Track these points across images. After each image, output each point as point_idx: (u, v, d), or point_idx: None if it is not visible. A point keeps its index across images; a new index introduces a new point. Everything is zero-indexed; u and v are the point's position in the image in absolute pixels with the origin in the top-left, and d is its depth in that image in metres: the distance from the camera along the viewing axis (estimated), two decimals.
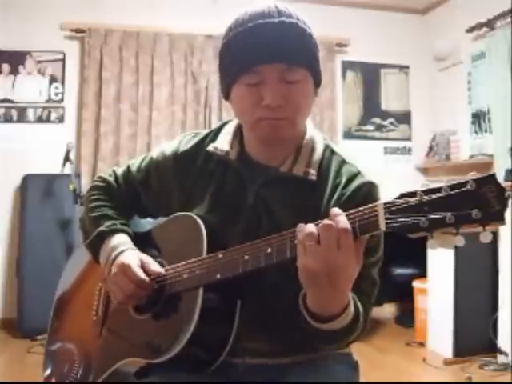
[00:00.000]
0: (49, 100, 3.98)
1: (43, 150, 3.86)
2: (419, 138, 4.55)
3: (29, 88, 3.95)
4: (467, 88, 4.04)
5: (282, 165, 1.07)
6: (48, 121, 3.98)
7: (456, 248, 3.14)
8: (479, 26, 3.75)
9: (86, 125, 3.92)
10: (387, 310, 4.24)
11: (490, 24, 3.68)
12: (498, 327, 3.10)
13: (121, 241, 1.11)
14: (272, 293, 1.02)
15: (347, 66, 4.48)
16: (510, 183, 2.97)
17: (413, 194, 0.77)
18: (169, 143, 1.20)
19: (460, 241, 0.76)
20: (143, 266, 1.05)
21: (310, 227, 0.82)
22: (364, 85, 4.52)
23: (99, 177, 1.26)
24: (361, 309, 0.95)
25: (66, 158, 3.42)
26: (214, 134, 1.16)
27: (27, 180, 3.78)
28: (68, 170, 3.43)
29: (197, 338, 0.95)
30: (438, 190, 0.76)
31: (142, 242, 1.14)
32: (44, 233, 3.66)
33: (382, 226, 0.79)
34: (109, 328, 1.16)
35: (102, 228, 1.14)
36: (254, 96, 0.98)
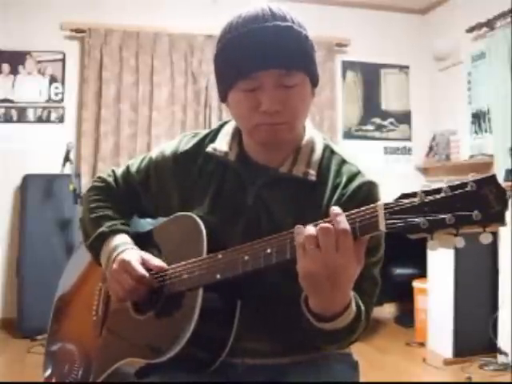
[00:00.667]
0: (49, 100, 3.98)
1: (43, 150, 3.86)
2: (419, 138, 4.55)
3: (29, 88, 3.95)
4: (467, 88, 4.04)
5: (282, 165, 1.07)
6: (48, 121, 3.98)
7: (456, 248, 3.13)
8: (479, 26, 3.75)
9: (85, 125, 3.92)
10: (387, 310, 4.24)
11: (490, 24, 3.68)
12: (498, 327, 3.10)
13: (122, 241, 1.11)
14: (272, 293, 1.02)
15: (347, 66, 4.48)
16: (509, 183, 2.97)
17: (413, 195, 0.77)
18: (168, 143, 1.20)
19: (460, 242, 0.76)
20: (144, 263, 1.05)
21: (309, 230, 0.82)
22: (364, 85, 4.52)
23: (98, 177, 1.26)
24: (362, 308, 0.95)
25: (66, 158, 3.42)
26: (214, 135, 1.15)
27: (27, 180, 3.77)
28: (68, 169, 3.43)
29: (197, 338, 0.95)
30: (439, 190, 0.75)
31: (142, 242, 1.14)
32: (44, 233, 3.66)
33: (382, 227, 0.78)
34: (109, 328, 1.16)
35: (102, 229, 1.13)
36: (252, 102, 0.98)
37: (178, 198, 1.13)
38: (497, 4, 3.57)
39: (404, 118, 4.60)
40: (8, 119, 3.92)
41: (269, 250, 0.90)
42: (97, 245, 1.14)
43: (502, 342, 3.05)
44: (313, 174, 1.06)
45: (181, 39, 4.09)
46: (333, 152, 1.11)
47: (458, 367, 3.01)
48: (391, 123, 4.57)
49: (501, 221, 0.72)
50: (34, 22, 3.89)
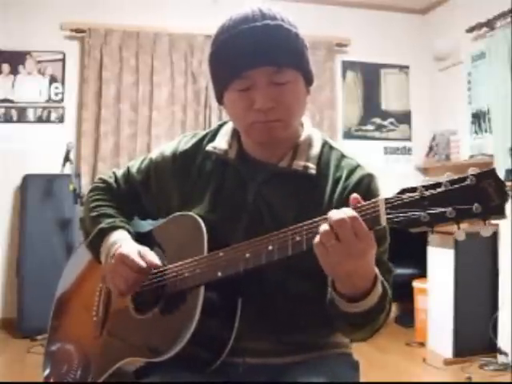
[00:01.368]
0: (49, 100, 3.98)
1: (43, 150, 3.86)
2: (419, 138, 4.55)
3: (29, 88, 3.95)
4: (467, 88, 4.04)
5: (281, 161, 1.08)
6: (48, 121, 3.98)
7: (456, 248, 3.14)
8: (479, 26, 3.75)
9: (85, 125, 3.92)
10: None
11: (490, 24, 3.68)
12: (498, 327, 3.10)
13: (121, 236, 1.12)
14: (273, 291, 1.02)
15: (347, 65, 4.48)
16: (510, 183, 2.97)
17: (413, 190, 0.79)
18: (168, 144, 1.21)
19: (461, 235, 0.76)
20: (141, 255, 1.05)
21: (324, 226, 0.83)
22: (364, 85, 4.52)
23: (99, 178, 1.27)
24: (385, 284, 0.97)
25: (66, 158, 3.42)
26: (213, 135, 1.17)
27: (27, 180, 3.77)
28: (68, 170, 3.43)
29: (198, 337, 0.95)
30: (439, 185, 0.77)
31: (143, 241, 1.13)
32: (44, 233, 3.66)
33: (383, 221, 0.80)
34: (109, 328, 1.16)
35: (101, 225, 1.14)
36: (246, 101, 1.00)
37: (179, 198, 1.14)
38: (497, 4, 3.57)
39: (404, 117, 4.60)
40: (8, 119, 3.92)
41: (270, 247, 0.91)
42: (96, 242, 1.14)
43: (502, 342, 3.05)
44: (312, 167, 1.07)
45: (181, 39, 4.09)
46: (331, 147, 1.13)
47: (458, 367, 3.01)
48: (391, 123, 4.57)
49: (501, 213, 0.73)
50: (33, 22, 3.89)
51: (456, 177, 0.75)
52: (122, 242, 1.09)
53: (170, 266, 1.05)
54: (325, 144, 1.13)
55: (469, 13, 3.90)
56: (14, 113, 3.93)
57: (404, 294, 3.76)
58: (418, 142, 4.56)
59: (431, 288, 3.41)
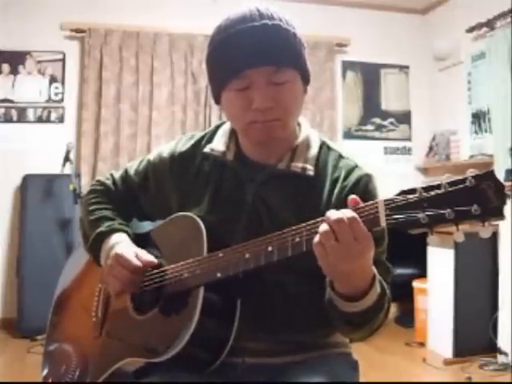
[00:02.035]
0: (49, 100, 3.98)
1: (43, 150, 3.86)
2: (419, 138, 4.55)
3: (29, 88, 3.95)
4: (467, 88, 4.04)
5: (280, 162, 1.08)
6: (48, 121, 3.98)
7: (456, 248, 3.14)
8: (479, 26, 3.75)
9: (85, 125, 3.92)
10: None
11: (490, 24, 3.67)
12: (498, 327, 3.10)
13: (119, 239, 1.12)
14: (272, 292, 1.02)
15: (347, 66, 4.48)
16: (510, 183, 2.97)
17: (412, 191, 0.79)
18: (166, 146, 1.21)
19: (460, 237, 0.77)
20: (138, 256, 1.06)
21: (323, 227, 0.83)
22: (364, 85, 4.52)
23: (97, 180, 1.27)
24: (383, 283, 0.97)
25: (66, 158, 3.42)
26: (210, 136, 1.17)
27: (27, 180, 3.77)
28: (68, 170, 3.43)
29: (197, 337, 0.95)
30: (438, 186, 0.77)
31: (142, 243, 1.14)
32: (44, 233, 3.66)
33: (383, 223, 0.80)
34: (108, 328, 1.16)
35: (100, 229, 1.14)
36: (244, 100, 0.99)
37: (177, 199, 1.14)
38: (497, 4, 3.57)
39: (404, 117, 4.60)
40: (8, 119, 3.92)
41: (270, 248, 0.91)
42: (96, 245, 1.14)
43: (502, 342, 3.05)
44: (311, 169, 1.07)
45: (181, 39, 4.09)
46: (329, 148, 1.13)
47: (458, 367, 3.01)
48: (391, 123, 4.57)
49: (500, 215, 0.73)
50: (34, 22, 3.89)
51: (455, 178, 0.76)
52: (120, 244, 1.10)
53: (170, 266, 1.05)
54: (323, 145, 1.13)
55: (469, 13, 3.90)
56: (14, 113, 3.93)
57: (404, 294, 3.76)
58: (418, 141, 4.56)
59: (431, 288, 3.41)
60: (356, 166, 1.09)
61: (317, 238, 0.84)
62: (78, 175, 3.71)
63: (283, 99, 1.00)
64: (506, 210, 0.74)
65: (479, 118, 3.93)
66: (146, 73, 4.01)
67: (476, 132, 3.97)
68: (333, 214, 0.83)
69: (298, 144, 1.10)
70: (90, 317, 1.20)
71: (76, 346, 1.22)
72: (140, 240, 1.15)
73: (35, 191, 3.74)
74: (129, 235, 1.15)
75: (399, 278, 3.87)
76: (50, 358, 1.28)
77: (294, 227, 0.89)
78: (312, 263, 0.86)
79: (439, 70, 4.42)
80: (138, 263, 1.04)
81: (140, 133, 3.98)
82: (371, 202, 0.83)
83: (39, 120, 3.96)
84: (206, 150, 1.13)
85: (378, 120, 4.54)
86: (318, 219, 0.87)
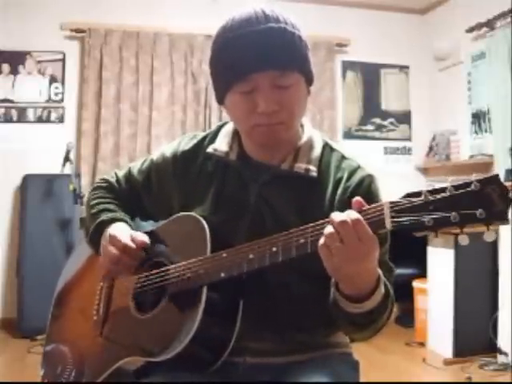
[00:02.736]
0: (49, 100, 3.98)
1: (43, 150, 3.85)
2: (419, 138, 4.55)
3: (29, 88, 3.94)
4: (467, 88, 4.04)
5: (283, 163, 1.08)
6: (48, 121, 3.98)
7: (456, 248, 3.14)
8: (479, 26, 3.75)
9: (85, 125, 3.92)
10: None
11: (490, 24, 3.67)
12: (498, 327, 3.10)
13: (120, 227, 1.12)
14: (275, 292, 1.02)
15: (347, 65, 4.48)
16: (510, 183, 2.97)
17: (418, 194, 0.79)
18: (168, 145, 1.21)
19: (464, 240, 0.78)
20: (132, 238, 1.06)
21: (328, 229, 0.83)
22: (364, 85, 4.52)
23: (102, 178, 1.28)
24: (388, 284, 0.97)
25: (66, 158, 3.42)
26: (213, 136, 1.17)
27: (27, 180, 3.77)
28: (68, 170, 3.43)
29: (199, 337, 0.95)
30: (443, 189, 0.77)
31: None
32: (44, 233, 3.66)
33: (388, 225, 0.81)
34: (110, 327, 1.16)
35: (101, 218, 1.15)
36: (249, 103, 0.99)
37: (179, 199, 1.14)
38: (497, 4, 3.57)
39: (404, 117, 4.60)
40: (8, 119, 3.92)
41: (274, 249, 0.91)
42: (97, 235, 1.14)
43: (502, 342, 3.05)
44: (314, 170, 1.07)
45: (181, 39, 4.08)
46: (332, 149, 1.13)
47: (458, 367, 3.02)
48: (391, 123, 4.57)
49: (504, 219, 0.74)
50: (33, 21, 3.89)
51: (460, 182, 0.76)
52: (116, 227, 1.10)
53: (173, 265, 1.05)
54: (325, 146, 1.13)
55: (469, 13, 3.90)
56: (14, 113, 3.93)
57: (404, 294, 3.75)
58: (418, 142, 4.56)
59: (431, 288, 3.41)
60: (359, 167, 1.09)
61: (322, 240, 0.84)
62: (78, 175, 3.71)
63: (288, 103, 1.00)
64: (510, 213, 0.74)
65: (479, 118, 3.93)
66: (146, 73, 4.01)
67: (476, 132, 3.97)
68: (337, 216, 0.83)
69: (301, 145, 1.10)
70: (91, 315, 1.20)
71: (74, 345, 1.22)
72: None
73: (35, 191, 3.74)
74: (130, 225, 1.15)
75: (399, 277, 3.86)
76: (51, 357, 1.28)
77: (298, 228, 0.90)
78: (316, 264, 0.86)
79: (439, 70, 4.42)
80: (129, 243, 1.04)
81: (140, 133, 3.98)
82: (377, 204, 0.83)
83: (39, 120, 3.96)
84: (209, 150, 1.13)
85: (377, 120, 4.54)
86: (323, 220, 0.87)
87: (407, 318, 3.84)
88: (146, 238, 1.07)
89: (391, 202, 0.81)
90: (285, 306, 1.03)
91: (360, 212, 0.84)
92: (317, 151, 1.10)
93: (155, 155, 1.21)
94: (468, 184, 0.75)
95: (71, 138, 3.88)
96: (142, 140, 3.98)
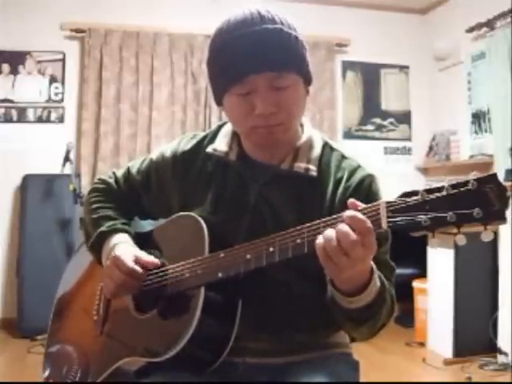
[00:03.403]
0: (49, 100, 3.98)
1: (43, 150, 3.85)
2: (419, 138, 4.55)
3: (29, 88, 3.94)
4: (467, 88, 4.04)
5: (283, 163, 1.08)
6: (48, 121, 3.98)
7: (456, 248, 3.14)
8: (479, 26, 3.75)
9: (85, 125, 3.92)
10: None
11: (490, 24, 3.67)
12: (498, 327, 3.10)
13: (121, 240, 1.12)
14: (273, 292, 1.02)
15: (347, 65, 4.48)
16: (510, 183, 2.97)
17: (415, 193, 0.79)
18: (168, 145, 1.21)
19: (461, 240, 0.77)
20: (137, 259, 1.05)
21: (329, 236, 0.82)
22: (364, 85, 4.52)
23: (99, 179, 1.27)
24: (383, 279, 0.97)
25: (66, 158, 3.42)
26: (212, 136, 1.17)
27: (27, 180, 3.77)
28: (68, 170, 3.43)
29: (198, 337, 0.95)
30: (440, 189, 0.77)
31: (144, 242, 1.14)
32: (44, 233, 3.66)
33: (384, 225, 0.80)
34: (110, 328, 1.16)
35: (102, 229, 1.14)
36: (246, 105, 0.99)
37: (179, 199, 1.14)
38: (497, 4, 3.57)
39: (404, 117, 4.60)
40: (8, 119, 3.92)
41: (271, 249, 0.91)
42: (98, 245, 1.14)
43: (502, 342, 3.05)
44: (313, 169, 1.07)
45: (181, 39, 4.08)
46: (332, 149, 1.13)
47: (458, 367, 3.02)
48: (391, 123, 4.57)
49: (502, 218, 0.73)
50: (33, 21, 3.89)
51: (457, 181, 0.75)
52: (120, 246, 1.10)
53: (171, 266, 1.05)
54: (325, 145, 1.13)
55: (469, 13, 3.90)
56: (14, 113, 3.93)
57: (404, 294, 3.74)
58: (418, 142, 4.56)
59: (431, 288, 3.41)
60: (359, 167, 1.09)
61: (321, 244, 0.83)
62: (78, 175, 3.71)
63: (285, 104, 0.99)
64: (508, 213, 0.74)
65: (479, 118, 3.93)
66: (146, 73, 4.01)
67: (476, 132, 3.97)
68: (341, 227, 0.82)
69: (300, 145, 1.10)
70: (92, 316, 1.20)
71: (77, 345, 1.22)
72: (141, 239, 1.15)
73: (35, 191, 3.74)
74: (131, 235, 1.15)
75: (399, 277, 3.85)
76: (52, 359, 1.28)
77: (295, 228, 0.89)
78: (314, 264, 0.86)
79: (439, 70, 4.41)
80: (134, 266, 1.03)
81: (140, 133, 3.98)
82: (373, 204, 0.83)
83: (39, 120, 3.96)
84: (209, 150, 1.13)
85: (378, 120, 4.54)
86: (319, 220, 0.87)
87: (407, 318, 3.84)
88: (151, 259, 1.06)
89: (387, 202, 0.81)
90: (284, 306, 1.03)
91: (356, 211, 0.83)
92: (317, 151, 1.10)
93: (154, 155, 1.21)
94: (465, 183, 0.75)
95: (71, 138, 3.88)
96: (142, 140, 3.98)
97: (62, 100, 4.00)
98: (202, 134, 1.19)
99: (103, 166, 3.86)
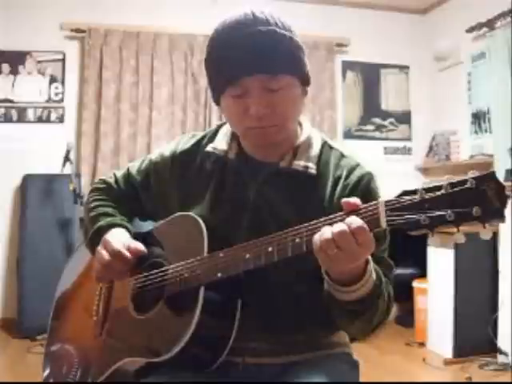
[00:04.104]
0: (49, 100, 3.98)
1: (43, 150, 3.85)
2: (419, 138, 4.55)
3: (29, 88, 3.94)
4: (467, 88, 4.04)
5: (281, 161, 1.09)
6: (48, 121, 3.98)
7: (456, 248, 3.14)
8: (479, 26, 3.75)
9: (85, 125, 3.92)
10: None
11: (490, 24, 3.67)
12: (498, 327, 3.10)
13: (117, 234, 1.12)
14: (273, 291, 1.02)
15: (347, 66, 4.48)
16: (510, 183, 2.97)
17: (414, 192, 0.79)
18: (167, 145, 1.22)
19: (460, 238, 0.77)
20: (125, 245, 1.06)
21: (326, 234, 0.83)
22: (364, 85, 4.52)
23: (100, 179, 1.29)
24: (380, 273, 0.97)
25: (66, 158, 3.43)
26: (212, 135, 1.17)
27: (27, 180, 3.78)
28: (68, 170, 3.43)
29: (197, 337, 0.95)
30: (439, 187, 0.77)
31: (143, 242, 1.14)
32: (44, 233, 3.66)
33: (383, 224, 0.80)
34: (109, 328, 1.16)
35: (100, 223, 1.15)
36: (241, 107, 1.00)
37: (178, 198, 1.14)
38: (497, 4, 3.57)
39: (404, 118, 4.60)
40: (8, 119, 3.92)
41: (270, 249, 0.91)
42: (95, 239, 1.14)
43: (502, 342, 3.05)
44: (312, 167, 1.08)
45: (181, 39, 4.08)
46: (331, 147, 1.13)
47: (458, 367, 3.02)
48: (391, 123, 4.57)
49: (500, 217, 0.73)
50: (33, 21, 3.89)
51: (456, 180, 0.75)
52: (113, 231, 1.11)
53: (171, 266, 1.06)
54: (324, 144, 1.13)
55: (469, 13, 3.90)
56: (13, 113, 3.93)
57: (404, 294, 3.76)
58: (418, 141, 4.56)
59: (431, 288, 3.41)
60: (358, 165, 1.09)
61: (319, 246, 0.83)
62: (78, 175, 3.71)
63: (279, 105, 1.00)
64: (506, 210, 0.73)
65: (479, 118, 3.93)
66: (146, 73, 4.01)
67: (476, 132, 3.97)
68: (336, 226, 0.83)
69: (299, 143, 1.10)
70: (91, 316, 1.20)
71: (77, 345, 1.23)
72: (141, 239, 1.15)
73: (35, 191, 3.74)
74: (128, 231, 1.15)
75: (399, 277, 3.86)
76: (51, 359, 1.28)
77: (294, 228, 0.90)
78: (313, 264, 0.86)
79: (439, 70, 4.41)
80: (121, 249, 1.05)
81: (140, 133, 3.98)
82: (372, 202, 0.83)
83: (39, 120, 3.96)
84: (208, 148, 1.13)
85: (378, 120, 4.54)
86: (318, 220, 0.87)
87: (407, 318, 3.84)
88: (140, 247, 1.07)
89: (386, 201, 0.81)
90: (284, 306, 1.03)
91: (355, 211, 0.83)
92: (315, 149, 1.10)
93: (154, 155, 1.22)
94: (464, 181, 0.75)
95: (71, 138, 3.88)
96: (142, 140, 3.98)
97: (62, 100, 4.00)
98: (200, 134, 1.20)
99: (103, 166, 3.86)
